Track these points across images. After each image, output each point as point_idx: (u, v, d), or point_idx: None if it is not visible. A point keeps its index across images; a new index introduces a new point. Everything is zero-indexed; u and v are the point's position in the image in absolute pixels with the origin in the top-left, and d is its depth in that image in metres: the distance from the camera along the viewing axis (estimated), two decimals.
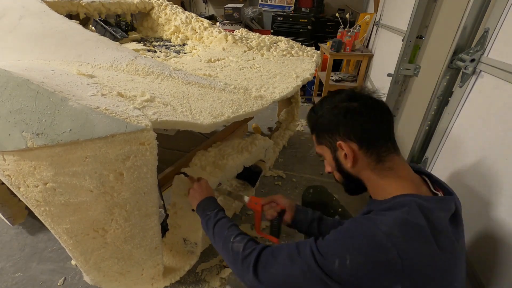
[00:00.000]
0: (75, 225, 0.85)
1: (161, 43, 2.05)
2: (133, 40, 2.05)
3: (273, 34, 3.32)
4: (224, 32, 2.07)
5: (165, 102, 0.96)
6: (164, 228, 1.22)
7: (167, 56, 1.72)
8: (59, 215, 0.82)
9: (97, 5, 1.90)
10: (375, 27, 3.08)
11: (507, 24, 0.97)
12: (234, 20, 3.72)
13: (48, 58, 1.17)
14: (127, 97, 0.89)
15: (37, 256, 1.37)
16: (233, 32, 2.32)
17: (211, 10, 4.58)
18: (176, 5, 2.39)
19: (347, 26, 3.05)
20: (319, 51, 2.24)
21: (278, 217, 0.94)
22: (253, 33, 2.45)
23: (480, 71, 1.08)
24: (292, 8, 3.74)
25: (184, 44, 2.07)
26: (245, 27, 3.54)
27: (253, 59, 1.82)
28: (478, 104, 1.09)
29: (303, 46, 2.28)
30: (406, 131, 1.79)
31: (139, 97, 0.92)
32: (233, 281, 0.92)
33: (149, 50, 1.82)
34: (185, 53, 1.88)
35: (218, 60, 1.74)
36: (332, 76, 3.16)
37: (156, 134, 0.78)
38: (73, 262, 1.32)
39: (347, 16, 3.19)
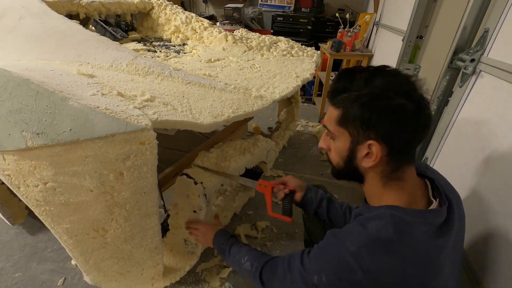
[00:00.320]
0: (75, 225, 0.85)
1: (161, 43, 2.05)
2: (133, 40, 2.05)
3: (273, 34, 3.32)
4: (224, 32, 2.07)
5: (165, 102, 0.96)
6: (165, 228, 1.21)
7: (167, 56, 1.72)
8: (59, 215, 0.82)
9: (97, 5, 1.90)
10: (375, 27, 3.08)
11: (507, 24, 0.97)
12: (234, 20, 3.72)
13: (48, 58, 1.17)
14: (127, 97, 0.89)
15: (37, 256, 1.37)
16: (233, 32, 2.32)
17: (211, 10, 4.58)
18: (176, 5, 2.39)
19: (347, 26, 3.05)
20: (319, 51, 2.24)
21: (289, 197, 0.94)
22: (253, 33, 2.45)
23: (480, 71, 1.08)
24: (292, 8, 3.74)
25: (184, 44, 2.07)
26: (245, 27, 3.54)
27: (253, 59, 1.82)
28: (478, 104, 1.09)
29: (303, 46, 2.28)
30: None
31: (139, 97, 0.92)
32: (232, 279, 0.92)
33: (149, 50, 1.82)
34: (185, 53, 1.88)
35: (218, 60, 1.74)
36: (332, 76, 3.16)
37: (156, 133, 0.78)
38: (73, 262, 1.32)
39: (347, 16, 3.19)
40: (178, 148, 1.94)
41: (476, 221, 0.97)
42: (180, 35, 2.13)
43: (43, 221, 0.84)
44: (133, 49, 1.54)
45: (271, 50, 2.05)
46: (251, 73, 1.58)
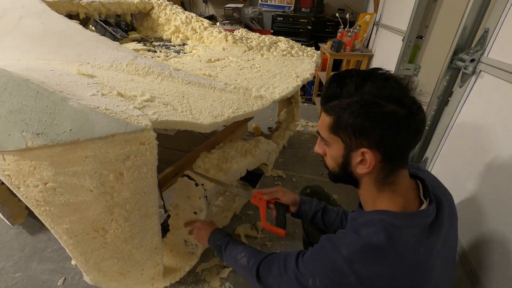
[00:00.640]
0: (75, 225, 0.85)
1: (161, 43, 2.05)
2: (133, 40, 2.05)
3: (273, 34, 3.33)
4: (224, 32, 2.07)
5: (165, 102, 0.96)
6: (165, 229, 1.21)
7: (167, 56, 1.72)
8: (59, 215, 0.82)
9: (97, 5, 1.90)
10: (375, 27, 3.08)
11: (507, 24, 0.97)
12: (234, 20, 3.72)
13: (48, 58, 1.17)
14: (127, 97, 0.89)
15: (37, 256, 1.37)
16: (233, 32, 2.32)
17: (211, 10, 4.58)
18: (176, 5, 2.39)
19: (347, 26, 3.05)
20: (319, 51, 2.24)
21: (283, 211, 0.94)
22: (253, 33, 2.45)
23: (480, 71, 1.08)
24: (292, 8, 3.74)
25: (184, 44, 2.07)
26: (245, 27, 3.54)
27: (253, 59, 1.82)
28: (478, 104, 1.09)
29: (303, 46, 2.28)
30: None
31: (139, 97, 0.92)
32: (232, 278, 0.92)
33: (149, 50, 1.82)
34: (185, 53, 1.88)
35: (218, 60, 1.74)
36: None
37: (156, 134, 0.78)
38: (73, 262, 1.32)
39: (347, 16, 3.19)
40: (178, 148, 1.94)
41: (476, 221, 0.97)
42: (180, 35, 2.13)
43: (43, 221, 0.84)
44: (133, 49, 1.54)
45: (271, 50, 2.04)
46: (251, 73, 1.58)
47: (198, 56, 1.81)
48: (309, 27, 3.56)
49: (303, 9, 3.69)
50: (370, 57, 2.96)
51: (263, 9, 3.87)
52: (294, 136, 2.49)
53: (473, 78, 1.11)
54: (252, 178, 1.63)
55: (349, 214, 0.77)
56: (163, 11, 2.29)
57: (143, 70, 1.20)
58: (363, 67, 3.00)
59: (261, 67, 1.69)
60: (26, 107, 0.71)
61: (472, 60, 1.10)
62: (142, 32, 2.28)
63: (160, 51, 1.81)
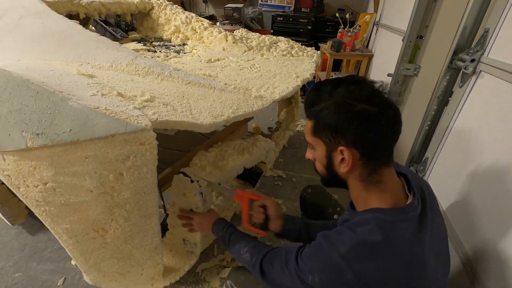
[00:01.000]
0: (75, 225, 0.85)
1: (161, 43, 2.05)
2: (133, 40, 2.05)
3: (273, 34, 3.33)
4: (224, 32, 2.07)
5: (165, 102, 0.96)
6: (164, 228, 1.22)
7: (167, 56, 1.72)
8: (59, 215, 0.82)
9: (97, 5, 1.90)
10: (375, 27, 3.08)
11: (507, 24, 0.97)
12: (234, 20, 3.72)
13: (48, 58, 1.17)
14: (127, 97, 0.89)
15: (37, 256, 1.37)
16: (233, 32, 2.32)
17: (211, 10, 4.58)
18: (176, 5, 2.39)
19: (347, 26, 3.05)
20: (319, 51, 2.24)
21: (266, 214, 0.93)
22: (253, 33, 2.45)
23: (480, 71, 1.08)
24: (292, 8, 3.74)
25: (184, 44, 2.07)
26: (245, 27, 3.54)
27: (253, 59, 1.82)
28: (478, 104, 1.09)
29: (303, 46, 2.28)
30: (406, 131, 1.79)
31: (139, 97, 0.92)
32: (233, 276, 0.92)
33: (149, 50, 1.82)
34: (185, 53, 1.88)
35: (218, 60, 1.74)
36: (332, 76, 3.16)
37: (156, 134, 0.78)
38: (73, 262, 1.32)
39: (347, 16, 3.19)
40: (178, 148, 1.94)
41: (476, 220, 0.97)
42: (180, 35, 2.13)
43: (43, 221, 0.84)
44: (133, 49, 1.54)
45: (271, 50, 2.04)
46: (251, 73, 1.58)
47: (198, 56, 1.81)
48: (309, 27, 3.56)
49: (303, 9, 3.69)
50: (370, 57, 2.96)
51: (263, 9, 3.87)
52: (294, 136, 2.49)
53: (473, 78, 1.11)
54: (251, 177, 1.63)
55: (339, 217, 0.78)
56: (163, 11, 2.29)
57: (143, 70, 1.20)
58: (363, 67, 3.00)
59: (261, 67, 1.69)
60: (26, 107, 0.71)
61: (472, 60, 1.10)
62: (142, 32, 2.28)
63: (160, 51, 1.81)
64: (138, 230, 0.92)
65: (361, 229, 0.57)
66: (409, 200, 0.62)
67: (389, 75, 2.02)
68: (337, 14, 3.30)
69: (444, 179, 1.23)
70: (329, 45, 2.92)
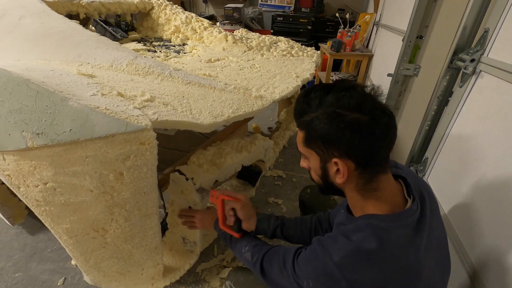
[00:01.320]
0: (75, 225, 0.85)
1: (161, 43, 2.05)
2: (133, 40, 2.05)
3: (273, 34, 3.33)
4: (224, 32, 2.07)
5: (165, 102, 0.96)
6: (164, 228, 1.22)
7: (167, 56, 1.72)
8: (59, 215, 0.82)
9: (97, 5, 1.90)
10: (375, 27, 3.08)
11: (507, 24, 0.97)
12: (234, 20, 3.72)
13: (48, 58, 1.17)
14: (127, 97, 0.89)
15: (37, 256, 1.37)
16: (233, 32, 2.32)
17: (211, 10, 4.58)
18: (176, 5, 2.39)
19: (347, 26, 3.05)
20: (319, 51, 2.24)
21: (237, 217, 0.92)
22: (253, 33, 2.45)
23: (480, 71, 1.08)
24: (292, 8, 3.75)
25: (184, 44, 2.07)
26: (245, 27, 3.55)
27: (253, 59, 1.82)
28: (478, 104, 1.09)
29: (303, 46, 2.28)
30: (406, 131, 1.79)
31: (139, 97, 0.92)
32: (232, 277, 0.93)
33: (149, 50, 1.82)
34: (185, 53, 1.88)
35: (218, 60, 1.74)
36: (332, 76, 3.16)
37: (156, 133, 0.78)
38: (73, 262, 1.32)
39: (347, 16, 3.19)
40: (178, 148, 1.94)
41: (476, 220, 0.97)
42: (180, 35, 2.13)
43: (43, 221, 0.84)
44: (133, 49, 1.54)
45: (271, 50, 2.04)
46: (251, 73, 1.58)
47: (198, 56, 1.81)
48: (309, 27, 3.56)
49: (303, 9, 3.70)
50: (370, 57, 2.96)
51: (263, 9, 3.87)
52: (294, 136, 2.49)
53: (473, 78, 1.11)
54: (251, 176, 1.63)
55: (335, 217, 0.77)
56: (163, 11, 2.29)
57: (143, 70, 1.20)
58: (363, 67, 3.00)
59: (261, 67, 1.69)
60: (26, 107, 0.71)
61: (472, 60, 1.10)
62: (142, 32, 2.28)
63: (160, 51, 1.81)
64: (138, 230, 0.92)
65: (356, 236, 0.56)
66: (408, 205, 0.60)
67: (389, 75, 2.02)
68: (337, 14, 3.30)
69: (444, 179, 1.23)
70: (329, 45, 2.92)
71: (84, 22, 1.98)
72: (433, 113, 1.40)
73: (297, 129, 0.65)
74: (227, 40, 2.01)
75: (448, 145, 1.26)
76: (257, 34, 2.40)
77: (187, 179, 1.03)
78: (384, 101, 0.60)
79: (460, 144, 1.17)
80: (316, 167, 0.64)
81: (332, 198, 1.15)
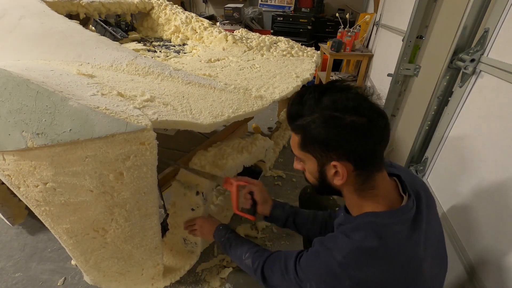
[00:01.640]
0: (75, 225, 0.85)
1: (161, 43, 2.05)
2: (133, 40, 2.05)
3: (273, 34, 3.33)
4: (224, 32, 2.07)
5: (165, 102, 0.96)
6: (164, 228, 1.22)
7: (167, 56, 1.72)
8: (59, 215, 0.82)
9: (97, 5, 1.90)
10: (375, 27, 3.08)
11: (507, 24, 0.97)
12: (234, 20, 3.72)
13: (48, 58, 1.17)
14: (127, 97, 0.89)
15: (37, 256, 1.37)
16: (233, 32, 2.32)
17: (211, 10, 4.58)
18: (176, 5, 2.39)
19: (347, 26, 3.05)
20: (319, 51, 2.24)
21: (253, 199, 0.95)
22: (253, 33, 2.45)
23: (480, 71, 1.08)
24: (292, 8, 3.75)
25: (184, 44, 2.07)
26: (245, 27, 3.55)
27: (253, 59, 1.82)
28: (478, 104, 1.09)
29: (303, 46, 2.28)
30: (406, 131, 1.79)
31: (139, 97, 0.92)
32: (232, 279, 0.93)
33: (149, 50, 1.82)
34: (185, 53, 1.88)
35: (218, 60, 1.74)
36: (332, 76, 3.16)
37: (156, 133, 0.78)
38: (73, 262, 1.32)
39: (347, 16, 3.19)
40: (178, 148, 1.94)
41: (476, 220, 0.97)
42: (180, 35, 2.13)
43: (43, 221, 0.84)
44: (133, 49, 1.54)
45: (271, 50, 2.04)
46: (251, 73, 1.58)
47: (198, 56, 1.81)
48: (309, 27, 3.56)
49: (303, 9, 3.70)
50: (370, 57, 2.96)
51: (263, 9, 3.87)
52: None
53: (473, 78, 1.11)
54: (251, 176, 1.62)
55: (335, 218, 0.77)
56: (163, 11, 2.29)
57: (143, 70, 1.20)
58: (363, 67, 3.00)
59: (261, 67, 1.69)
60: (26, 107, 0.71)
61: (472, 60, 1.10)
62: (142, 32, 2.28)
63: (160, 51, 1.81)
64: (138, 230, 0.92)
65: (357, 235, 0.57)
66: (404, 202, 0.61)
67: (389, 75, 2.01)
68: (337, 14, 3.30)
69: (444, 179, 1.23)
70: (329, 45, 2.92)
71: (84, 22, 1.98)
72: (433, 113, 1.40)
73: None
74: (227, 40, 2.01)
75: (448, 145, 1.26)
76: (257, 34, 2.40)
77: (197, 193, 1.05)
78: (383, 101, 0.60)
79: (460, 144, 1.16)
80: (313, 170, 0.63)
81: (331, 198, 1.15)
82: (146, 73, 1.20)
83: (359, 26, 3.13)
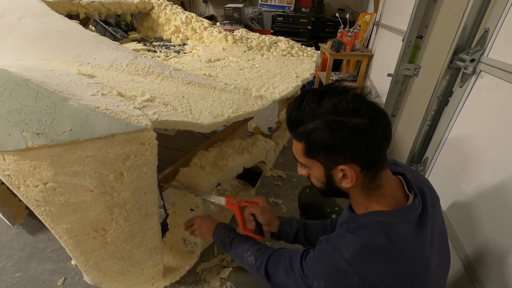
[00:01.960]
0: (75, 225, 0.85)
1: (161, 43, 2.05)
2: (133, 40, 2.05)
3: (273, 34, 3.33)
4: (224, 32, 2.07)
5: (165, 102, 0.96)
6: (164, 228, 1.22)
7: (167, 56, 1.72)
8: (59, 215, 0.82)
9: (97, 5, 1.90)
10: (375, 27, 3.08)
11: (507, 24, 0.97)
12: (234, 20, 3.72)
13: (48, 58, 1.17)
14: (127, 97, 0.89)
15: (37, 256, 1.37)
16: (233, 32, 2.32)
17: (211, 10, 4.58)
18: (176, 5, 2.39)
19: (347, 26, 3.05)
20: (319, 51, 2.24)
21: (257, 221, 0.93)
22: (253, 33, 2.45)
23: (480, 71, 1.08)
24: (292, 8, 3.75)
25: (184, 44, 2.07)
26: (245, 27, 3.55)
27: (253, 59, 1.82)
28: (478, 104, 1.09)
29: (303, 46, 2.28)
30: (406, 131, 1.79)
31: (139, 97, 0.92)
32: (233, 278, 0.93)
33: (149, 50, 1.82)
34: (185, 53, 1.88)
35: (218, 60, 1.74)
36: (332, 76, 3.16)
37: (156, 133, 0.78)
38: (73, 262, 1.32)
39: (347, 16, 3.19)
40: (178, 148, 1.94)
41: (476, 220, 0.97)
42: (180, 35, 2.13)
43: (43, 221, 0.84)
44: (133, 49, 1.54)
45: (271, 50, 2.05)
46: (251, 73, 1.58)
47: (198, 56, 1.81)
48: (309, 27, 3.56)
49: (303, 9, 3.70)
50: (370, 57, 2.96)
51: (263, 9, 3.87)
52: None
53: (473, 78, 1.11)
54: (251, 177, 1.63)
55: (339, 217, 0.77)
56: (163, 11, 2.29)
57: (143, 70, 1.20)
58: (363, 67, 3.00)
59: (261, 67, 1.69)
60: (26, 107, 0.71)
61: (472, 60, 1.10)
62: (142, 32, 2.28)
63: (160, 51, 1.81)
64: (138, 230, 0.92)
65: (364, 233, 0.57)
66: (410, 200, 0.61)
67: (389, 75, 2.02)
68: (337, 14, 3.30)
69: (444, 179, 1.23)
70: (329, 45, 2.92)
71: (84, 22, 1.98)
72: (433, 113, 1.40)
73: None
74: (227, 40, 2.01)
75: (448, 145, 1.26)
76: (257, 34, 2.40)
77: (196, 195, 1.04)
78: (382, 100, 0.60)
79: (460, 144, 1.17)
80: (319, 175, 0.63)
81: (331, 198, 1.15)
82: (146, 73, 1.20)
83: (359, 26, 3.14)
